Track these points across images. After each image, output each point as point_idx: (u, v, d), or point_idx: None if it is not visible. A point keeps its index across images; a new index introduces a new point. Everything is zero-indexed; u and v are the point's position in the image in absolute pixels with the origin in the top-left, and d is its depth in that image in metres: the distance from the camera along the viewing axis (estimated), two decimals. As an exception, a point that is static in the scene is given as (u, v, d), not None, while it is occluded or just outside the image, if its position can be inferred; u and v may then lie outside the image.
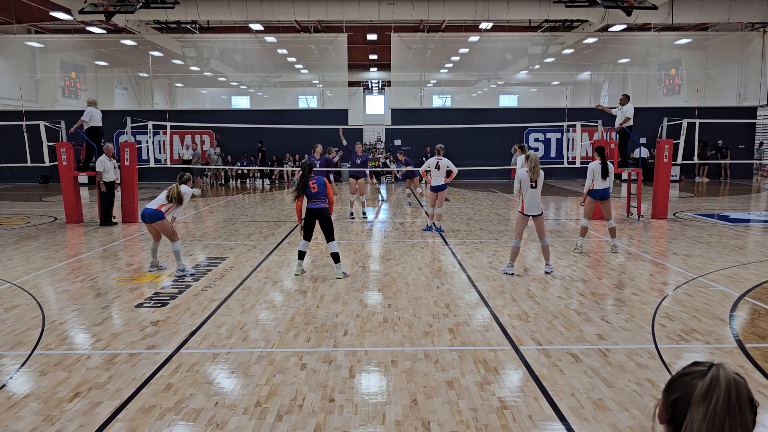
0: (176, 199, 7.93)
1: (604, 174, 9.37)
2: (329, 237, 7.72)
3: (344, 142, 13.51)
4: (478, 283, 7.43)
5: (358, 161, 13.29)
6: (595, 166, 9.42)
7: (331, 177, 13.62)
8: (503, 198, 18.14)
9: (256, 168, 23.54)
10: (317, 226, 7.79)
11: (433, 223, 11.57)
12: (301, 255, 7.92)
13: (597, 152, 9.58)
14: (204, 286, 7.36)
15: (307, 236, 7.80)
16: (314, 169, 12.94)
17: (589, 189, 9.46)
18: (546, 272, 7.93)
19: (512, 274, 7.87)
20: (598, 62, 28.35)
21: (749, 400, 1.27)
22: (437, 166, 11.16)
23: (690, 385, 1.30)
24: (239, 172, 24.16)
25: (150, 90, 28.33)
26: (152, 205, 7.94)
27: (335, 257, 7.76)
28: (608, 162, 9.50)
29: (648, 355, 4.88)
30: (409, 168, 15.79)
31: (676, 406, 1.32)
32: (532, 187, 7.84)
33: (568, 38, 25.71)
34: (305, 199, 7.73)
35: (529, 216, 7.96)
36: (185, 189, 8.10)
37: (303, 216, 7.78)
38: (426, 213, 14.21)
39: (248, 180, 24.82)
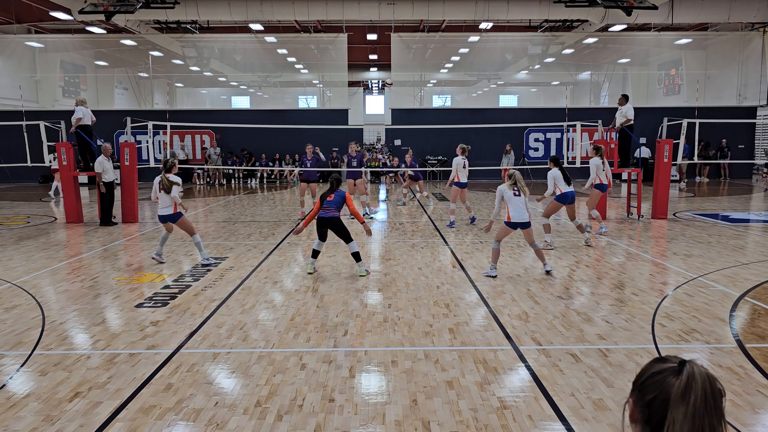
0: (168, 189, 8.27)
1: (567, 180, 9.62)
2: (346, 240, 7.84)
3: (322, 158, 13.57)
4: (478, 283, 7.42)
5: (354, 162, 13.37)
6: (555, 173, 9.62)
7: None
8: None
9: (242, 168, 23.57)
10: (330, 231, 7.91)
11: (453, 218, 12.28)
12: (315, 254, 7.99)
13: (552, 162, 9.79)
14: (204, 286, 7.36)
15: (322, 237, 7.92)
16: (306, 169, 13.12)
17: (556, 194, 9.68)
18: (547, 271, 7.82)
19: (495, 276, 7.66)
20: (598, 62, 28.35)
21: (720, 392, 1.28)
22: (464, 165, 11.88)
23: (665, 384, 1.30)
24: (228, 172, 24.27)
25: (150, 90, 28.33)
26: (166, 210, 8.37)
27: (356, 256, 7.85)
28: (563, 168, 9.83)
29: (648, 355, 4.88)
30: (415, 169, 15.85)
31: (652, 407, 1.31)
32: (515, 195, 7.57)
33: (568, 38, 25.70)
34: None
35: (515, 227, 7.63)
36: (173, 177, 8.41)
37: (311, 219, 7.94)
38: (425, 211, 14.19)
39: (239, 180, 24.87)
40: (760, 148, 25.62)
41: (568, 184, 9.65)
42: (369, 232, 7.92)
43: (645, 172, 18.25)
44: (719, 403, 1.27)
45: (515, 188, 7.61)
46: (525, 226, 7.61)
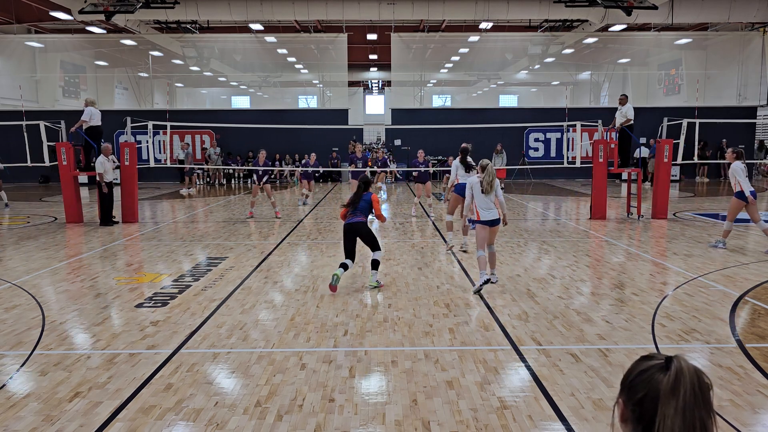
0: None
1: (468, 169, 9.41)
2: (373, 248, 7.27)
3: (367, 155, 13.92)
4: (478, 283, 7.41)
5: (360, 163, 13.58)
6: (457, 163, 9.56)
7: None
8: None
9: (242, 168, 23.62)
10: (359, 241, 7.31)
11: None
12: (344, 266, 7.09)
13: (461, 152, 9.67)
14: (204, 286, 7.36)
15: (348, 254, 7.17)
16: (258, 166, 13.34)
17: (454, 184, 9.62)
18: (492, 282, 7.18)
19: (487, 281, 6.94)
20: (598, 62, 28.36)
21: (707, 385, 1.29)
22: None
23: (654, 381, 1.30)
24: (229, 172, 24.35)
25: (150, 90, 28.34)
26: None
27: (374, 264, 7.28)
28: (468, 159, 9.55)
29: (648, 355, 4.87)
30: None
31: (643, 405, 1.31)
32: (483, 191, 7.05)
33: (568, 38, 25.70)
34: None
35: (487, 224, 7.06)
36: None
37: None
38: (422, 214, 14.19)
39: (239, 180, 24.93)
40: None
41: (468, 172, 9.40)
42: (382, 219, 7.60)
43: (644, 171, 18.24)
44: (707, 396, 1.27)
45: (484, 184, 7.05)
46: (494, 224, 7.12)
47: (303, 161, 14.84)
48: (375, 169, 13.75)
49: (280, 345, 5.21)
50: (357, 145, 14.06)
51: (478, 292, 6.87)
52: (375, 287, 7.21)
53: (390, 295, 6.86)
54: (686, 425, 1.25)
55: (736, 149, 9.61)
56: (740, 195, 9.24)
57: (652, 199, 13.26)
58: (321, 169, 17.27)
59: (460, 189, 9.35)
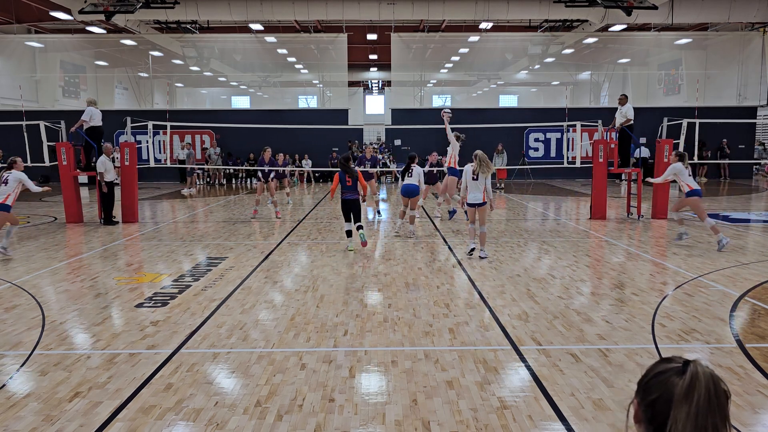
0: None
1: (404, 174, 10.85)
2: (356, 220, 9.33)
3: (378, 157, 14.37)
4: (478, 283, 7.42)
5: (368, 164, 13.69)
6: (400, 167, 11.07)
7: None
8: (502, 197, 18.14)
9: (242, 168, 23.64)
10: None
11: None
12: (349, 233, 9.30)
13: (409, 158, 10.99)
14: (204, 286, 7.36)
15: (348, 219, 9.32)
16: (264, 165, 13.52)
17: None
18: (480, 257, 8.74)
19: (473, 248, 8.95)
20: (598, 62, 28.36)
21: (724, 392, 1.28)
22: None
23: (668, 384, 1.29)
24: (229, 171, 24.39)
25: (150, 90, 28.34)
26: None
27: (359, 227, 9.28)
28: (412, 166, 10.80)
29: (648, 355, 4.88)
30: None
31: (656, 407, 1.31)
32: (473, 179, 8.60)
33: (568, 38, 25.71)
34: (340, 188, 9.31)
35: (473, 206, 8.69)
36: (19, 175, 9.90)
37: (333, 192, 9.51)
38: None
39: (239, 180, 24.99)
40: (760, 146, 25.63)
41: (404, 178, 10.77)
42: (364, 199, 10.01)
43: (645, 172, 18.20)
44: (723, 404, 1.26)
45: (474, 174, 8.59)
46: (479, 206, 8.68)
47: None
48: (369, 169, 13.67)
49: (280, 345, 5.21)
50: (368, 147, 14.43)
51: (469, 253, 8.93)
52: (351, 250, 9.25)
53: (390, 295, 6.86)
54: (698, 431, 1.24)
55: (679, 152, 10.06)
56: (691, 193, 9.72)
57: (652, 199, 13.26)
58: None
59: (405, 190, 10.80)
